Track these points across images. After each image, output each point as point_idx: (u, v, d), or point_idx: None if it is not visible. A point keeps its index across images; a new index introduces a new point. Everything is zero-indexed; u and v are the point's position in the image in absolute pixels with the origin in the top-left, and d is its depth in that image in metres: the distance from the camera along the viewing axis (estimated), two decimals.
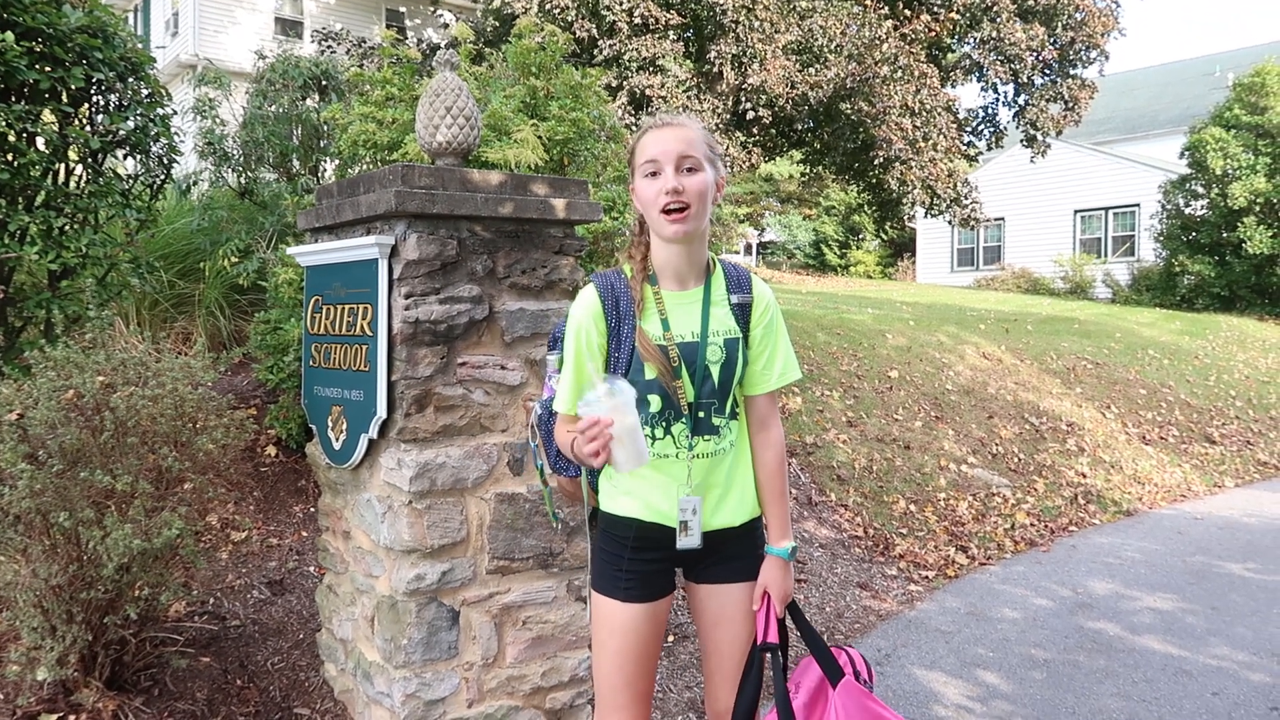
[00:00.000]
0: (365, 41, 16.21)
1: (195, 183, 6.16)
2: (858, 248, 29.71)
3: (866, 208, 19.11)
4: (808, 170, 20.88)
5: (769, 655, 2.14)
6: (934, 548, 5.63)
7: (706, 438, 2.11)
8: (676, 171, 2.02)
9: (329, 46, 16.08)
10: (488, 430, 3.06)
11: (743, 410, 2.19)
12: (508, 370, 3.08)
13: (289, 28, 19.71)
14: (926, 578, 5.23)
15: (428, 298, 2.93)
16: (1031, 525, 6.28)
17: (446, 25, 18.74)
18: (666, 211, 2.02)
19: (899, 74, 14.13)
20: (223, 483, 3.06)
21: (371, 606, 3.07)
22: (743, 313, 2.14)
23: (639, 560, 2.14)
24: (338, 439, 3.12)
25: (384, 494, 3.00)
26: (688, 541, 2.11)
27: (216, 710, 3.13)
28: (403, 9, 20.61)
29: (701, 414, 2.10)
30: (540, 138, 4.71)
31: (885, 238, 28.93)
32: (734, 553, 2.18)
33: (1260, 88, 16.20)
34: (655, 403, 2.09)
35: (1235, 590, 5.13)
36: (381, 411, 2.90)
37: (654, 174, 2.04)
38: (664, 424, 2.10)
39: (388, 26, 19.95)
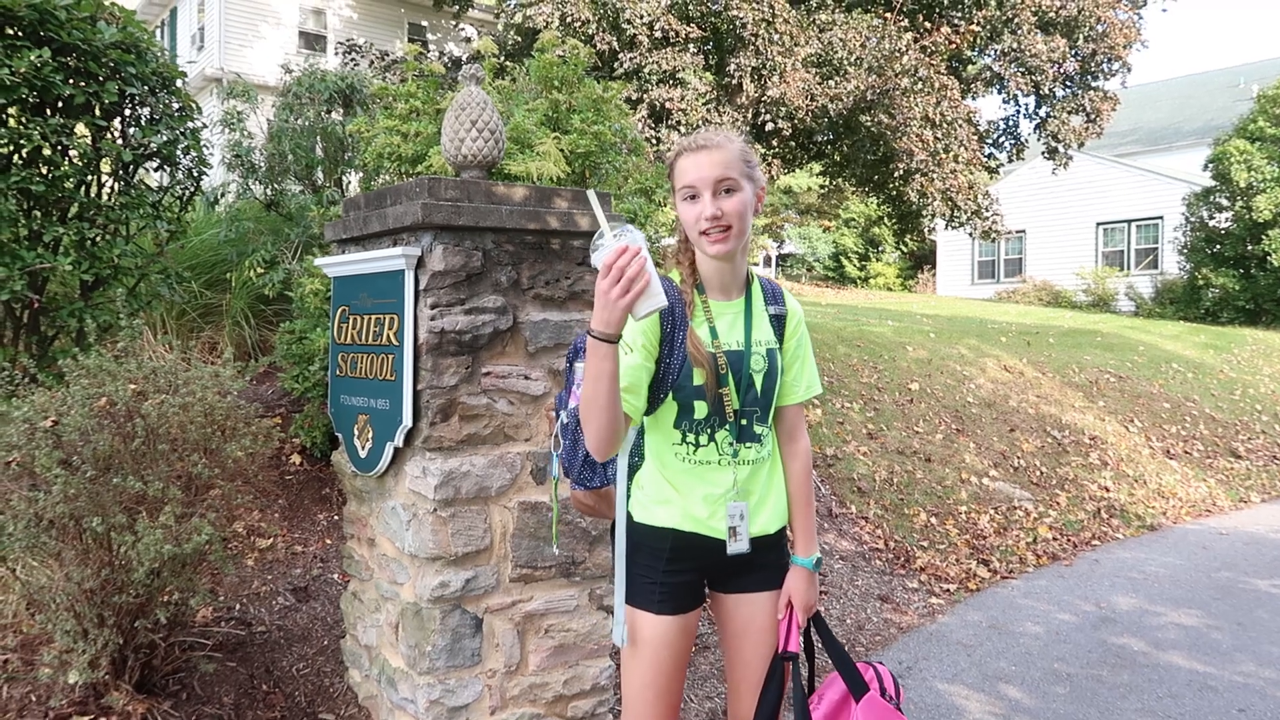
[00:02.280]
0: (388, 54, 16.36)
1: (222, 194, 6.25)
2: (877, 260, 29.65)
3: (886, 220, 19.11)
4: (827, 182, 20.87)
5: (791, 665, 2.15)
6: (955, 561, 5.61)
7: (749, 445, 2.14)
8: (714, 196, 2.05)
9: (353, 59, 16.25)
10: (511, 439, 3.09)
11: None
12: (531, 380, 3.11)
13: (313, 41, 19.94)
14: (948, 590, 5.21)
15: (453, 308, 2.96)
16: (1054, 539, 6.24)
17: (469, 39, 18.90)
18: (707, 233, 2.06)
19: (919, 86, 14.13)
20: (250, 490, 3.10)
21: (396, 613, 3.10)
22: (778, 324, 2.22)
23: (673, 572, 2.15)
24: (364, 447, 3.16)
25: (409, 502, 3.03)
26: (738, 547, 2.13)
27: (243, 715, 3.16)
28: (425, 23, 20.79)
29: (745, 421, 2.14)
30: (562, 151, 4.76)
31: (905, 250, 28.88)
32: (762, 561, 2.20)
33: None
34: (701, 409, 2.11)
35: (1262, 606, 5.08)
36: (407, 420, 2.93)
37: (693, 198, 2.08)
38: (709, 430, 2.12)
39: (410, 40, 20.14)
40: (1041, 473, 7.32)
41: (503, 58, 15.02)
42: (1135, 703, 3.83)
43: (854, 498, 6.12)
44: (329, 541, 4.34)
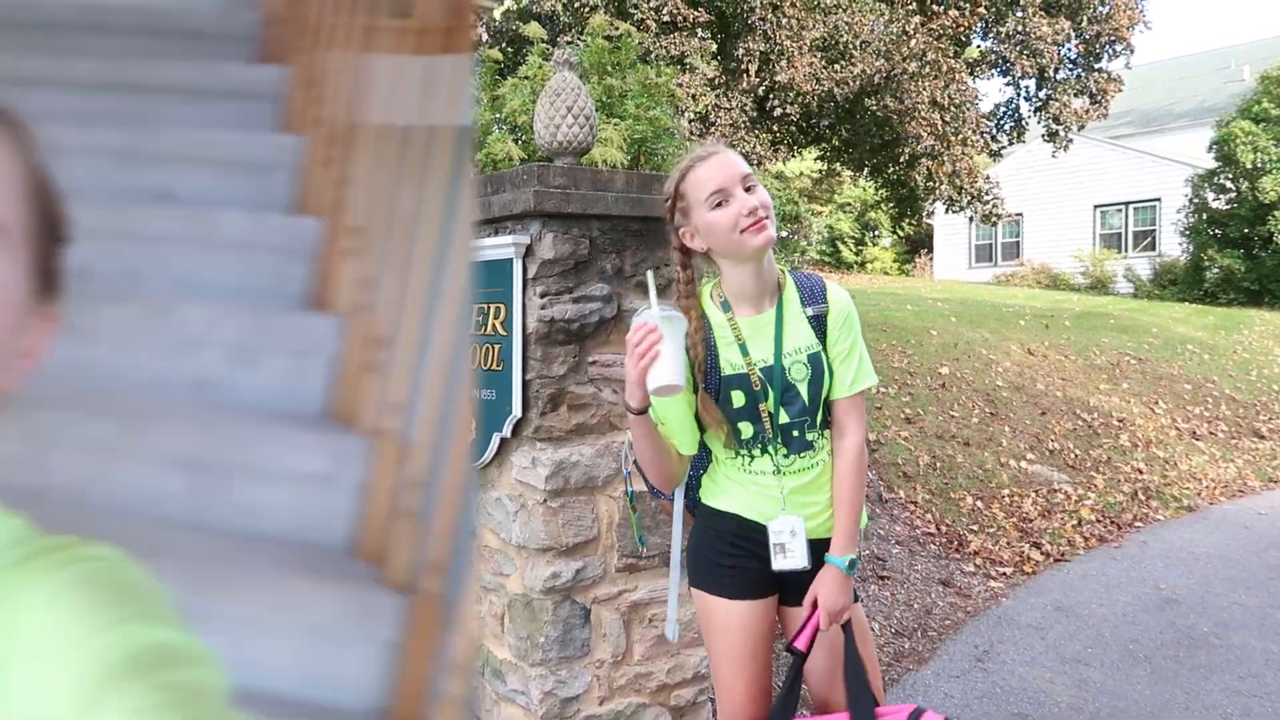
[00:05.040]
0: None
1: None
2: (874, 244, 29.66)
3: (884, 204, 19.10)
4: (825, 167, 20.83)
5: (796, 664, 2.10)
6: (1006, 544, 5.62)
7: (803, 454, 2.11)
8: (746, 192, 2.02)
9: None
10: (616, 429, 3.05)
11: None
12: None
13: None
14: (1004, 574, 5.22)
15: (561, 296, 2.93)
16: (1098, 521, 6.26)
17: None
18: (748, 228, 2.00)
19: (927, 69, 14.12)
20: None
21: (502, 605, 3.08)
22: (819, 324, 2.11)
23: (737, 556, 2.14)
24: None
25: (515, 493, 3.00)
26: (786, 563, 2.07)
27: None
28: None
29: (796, 433, 2.10)
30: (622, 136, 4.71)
31: (901, 234, 28.89)
32: None
33: None
34: (747, 430, 2.10)
35: None
36: (517, 410, 2.90)
37: (721, 203, 2.01)
38: (760, 446, 2.11)
39: None
40: (1076, 455, 7.35)
41: (502, 44, 14.93)
42: (1217, 682, 3.85)
43: (900, 482, 6.12)
44: None
